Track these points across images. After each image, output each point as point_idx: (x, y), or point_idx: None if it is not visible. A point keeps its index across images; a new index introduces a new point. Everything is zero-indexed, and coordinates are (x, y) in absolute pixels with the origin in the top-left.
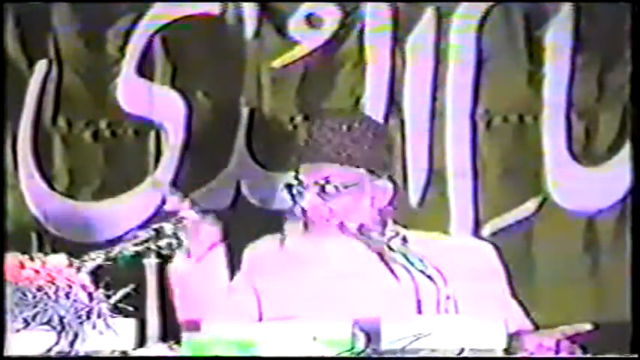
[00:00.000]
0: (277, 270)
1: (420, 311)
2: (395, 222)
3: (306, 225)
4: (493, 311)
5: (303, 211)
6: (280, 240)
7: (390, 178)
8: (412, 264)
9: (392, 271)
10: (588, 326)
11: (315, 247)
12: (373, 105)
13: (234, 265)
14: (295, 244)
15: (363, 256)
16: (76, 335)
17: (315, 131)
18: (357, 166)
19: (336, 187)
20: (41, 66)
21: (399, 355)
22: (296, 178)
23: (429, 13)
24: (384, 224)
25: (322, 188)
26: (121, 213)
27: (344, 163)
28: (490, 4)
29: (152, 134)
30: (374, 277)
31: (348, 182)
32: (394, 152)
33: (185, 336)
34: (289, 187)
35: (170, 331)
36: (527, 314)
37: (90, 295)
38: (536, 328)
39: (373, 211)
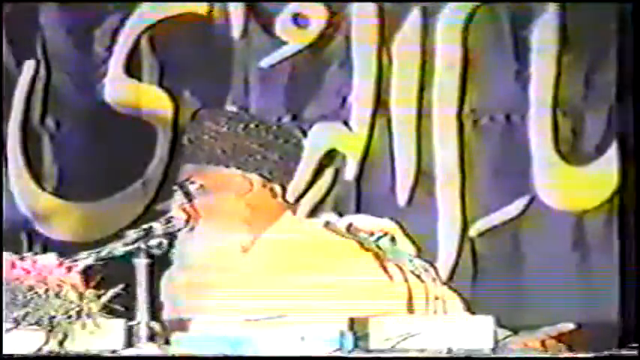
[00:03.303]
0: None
1: (411, 311)
2: None
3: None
4: None
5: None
6: None
7: (261, 175)
8: (402, 264)
9: (385, 269)
10: (571, 325)
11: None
12: (360, 104)
13: None
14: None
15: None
16: (65, 335)
17: (191, 132)
18: (224, 165)
19: (197, 187)
20: (29, 66)
21: (387, 354)
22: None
23: (415, 13)
24: (264, 218)
25: (185, 190)
26: (110, 212)
27: (210, 163)
28: (476, 4)
29: (140, 134)
30: (367, 276)
31: (208, 180)
32: (290, 154)
33: (175, 335)
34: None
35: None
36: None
37: (80, 294)
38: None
39: (239, 205)
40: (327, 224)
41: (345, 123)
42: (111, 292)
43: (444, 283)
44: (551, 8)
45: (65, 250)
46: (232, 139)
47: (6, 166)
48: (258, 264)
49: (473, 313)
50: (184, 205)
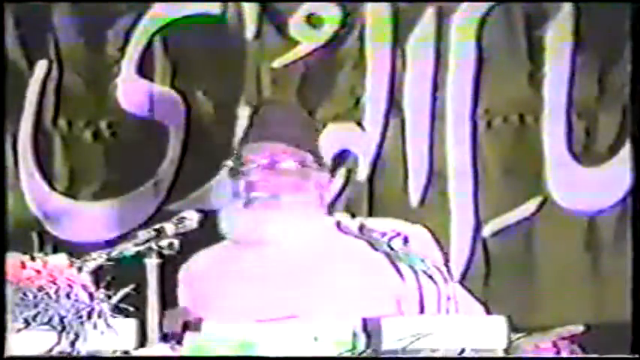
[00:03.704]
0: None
1: (423, 311)
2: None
3: (247, 203)
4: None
5: (248, 187)
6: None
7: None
8: (414, 264)
9: (397, 270)
10: (580, 328)
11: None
12: (373, 105)
13: None
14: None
15: (365, 254)
16: (76, 335)
17: (264, 112)
18: (304, 149)
19: (285, 165)
20: (41, 66)
21: (399, 355)
22: (237, 157)
23: (429, 13)
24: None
25: (271, 165)
26: (121, 213)
27: (290, 144)
28: (490, 4)
29: (152, 134)
30: (380, 275)
31: (296, 162)
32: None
33: (186, 336)
34: (231, 168)
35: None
36: (476, 298)
37: (91, 295)
38: (487, 311)
39: (316, 194)
40: (338, 224)
41: (359, 123)
42: (121, 293)
43: (457, 283)
44: (566, 8)
45: (76, 250)
46: (308, 127)
47: (17, 166)
48: (275, 262)
49: (488, 312)
50: (266, 182)
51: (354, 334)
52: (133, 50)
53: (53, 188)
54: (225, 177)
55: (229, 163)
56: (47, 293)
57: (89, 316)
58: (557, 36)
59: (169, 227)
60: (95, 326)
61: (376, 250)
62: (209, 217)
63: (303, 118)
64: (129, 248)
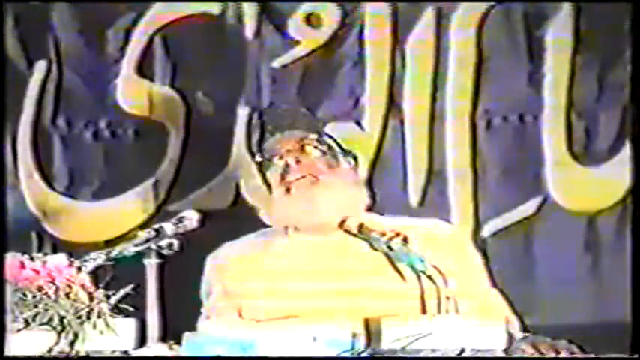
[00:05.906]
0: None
1: (424, 311)
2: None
3: (287, 189)
4: (480, 304)
5: (284, 173)
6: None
7: (354, 157)
8: (413, 264)
9: (397, 270)
10: (575, 348)
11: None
12: (373, 105)
13: None
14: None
15: (368, 254)
16: (76, 335)
17: (270, 114)
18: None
19: (313, 149)
20: (41, 66)
21: (399, 354)
22: (261, 152)
23: (428, 13)
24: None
25: (302, 148)
26: (121, 213)
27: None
28: (490, 4)
29: (152, 134)
30: (381, 276)
31: (322, 146)
32: None
33: (185, 336)
34: (260, 163)
35: (170, 331)
36: (510, 303)
37: (90, 295)
38: (519, 317)
39: (351, 175)
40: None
41: (358, 123)
42: (121, 293)
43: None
44: (565, 8)
45: (75, 250)
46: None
47: (17, 166)
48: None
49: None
50: (300, 164)
51: (354, 335)
52: (133, 50)
53: (53, 188)
54: (256, 173)
55: (257, 159)
56: (46, 293)
57: (88, 316)
58: (557, 36)
59: (169, 227)
60: (95, 326)
61: (376, 250)
62: (209, 217)
63: (306, 119)
64: (128, 248)
